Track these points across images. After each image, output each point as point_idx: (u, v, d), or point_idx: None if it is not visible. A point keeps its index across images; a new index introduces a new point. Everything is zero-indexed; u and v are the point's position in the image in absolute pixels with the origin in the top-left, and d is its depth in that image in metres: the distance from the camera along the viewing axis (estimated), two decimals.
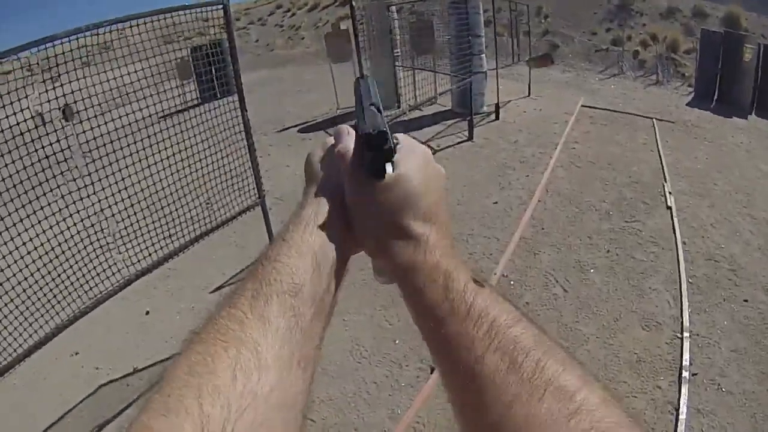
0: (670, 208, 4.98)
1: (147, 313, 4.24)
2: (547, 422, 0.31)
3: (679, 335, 3.32)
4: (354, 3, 5.82)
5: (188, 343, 0.34)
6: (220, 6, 3.39)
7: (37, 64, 2.79)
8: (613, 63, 11.09)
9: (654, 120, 7.57)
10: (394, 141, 0.45)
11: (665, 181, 5.56)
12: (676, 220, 4.74)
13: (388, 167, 0.43)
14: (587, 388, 0.33)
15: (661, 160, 6.17)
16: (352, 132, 0.48)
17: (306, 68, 13.83)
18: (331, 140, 0.50)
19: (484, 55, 7.87)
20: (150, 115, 3.23)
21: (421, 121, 7.84)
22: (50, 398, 3.39)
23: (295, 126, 8.62)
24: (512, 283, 4.06)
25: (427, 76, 8.20)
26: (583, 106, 8.28)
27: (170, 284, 4.56)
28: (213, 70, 4.02)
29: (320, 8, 19.04)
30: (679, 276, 3.92)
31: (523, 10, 10.92)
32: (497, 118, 7.62)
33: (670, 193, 5.28)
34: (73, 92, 2.84)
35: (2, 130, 2.56)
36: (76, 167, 2.96)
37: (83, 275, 3.07)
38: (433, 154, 0.50)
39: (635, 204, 5.17)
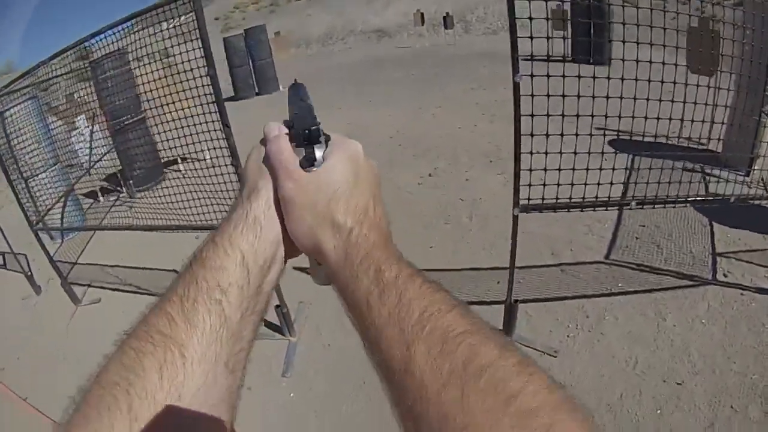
0: None
1: None
2: (482, 406, 0.29)
3: None
4: None
5: (122, 342, 0.36)
6: None
7: None
8: None
9: None
10: (326, 137, 0.46)
11: None
12: None
13: (318, 154, 0.44)
14: (527, 373, 0.31)
15: None
16: (283, 128, 0.47)
17: None
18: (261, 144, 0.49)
19: None
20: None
21: (752, 217, 3.80)
22: None
23: None
24: None
25: None
26: None
27: None
28: (591, 27, 3.42)
29: None
30: None
31: None
32: None
33: None
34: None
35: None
36: None
37: None
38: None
39: None
